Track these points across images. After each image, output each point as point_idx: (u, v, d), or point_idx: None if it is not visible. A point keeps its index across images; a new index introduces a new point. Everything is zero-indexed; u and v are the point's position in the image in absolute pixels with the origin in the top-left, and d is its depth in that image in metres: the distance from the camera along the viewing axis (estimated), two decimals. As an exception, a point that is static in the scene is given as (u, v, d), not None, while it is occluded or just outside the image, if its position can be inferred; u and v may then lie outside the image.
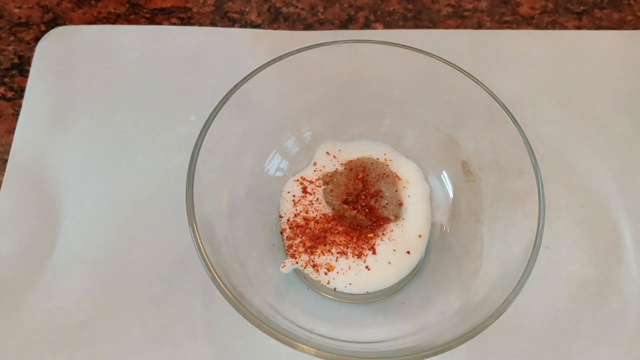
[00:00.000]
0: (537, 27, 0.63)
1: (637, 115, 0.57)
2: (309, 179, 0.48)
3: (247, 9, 0.63)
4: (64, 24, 0.61)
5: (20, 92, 0.57)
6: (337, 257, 0.44)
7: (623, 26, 0.63)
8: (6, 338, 0.46)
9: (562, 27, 0.63)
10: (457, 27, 0.63)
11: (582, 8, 0.64)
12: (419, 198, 0.47)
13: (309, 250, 0.45)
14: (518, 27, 0.63)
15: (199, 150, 0.41)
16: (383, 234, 0.45)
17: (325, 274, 0.44)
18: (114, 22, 0.61)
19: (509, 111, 0.44)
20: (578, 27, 0.63)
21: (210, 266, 0.38)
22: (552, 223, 0.51)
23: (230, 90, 0.44)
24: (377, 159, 0.49)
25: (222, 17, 0.62)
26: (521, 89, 0.58)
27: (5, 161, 0.53)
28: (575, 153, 0.55)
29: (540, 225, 0.40)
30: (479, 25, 0.63)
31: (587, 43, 0.61)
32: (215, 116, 0.43)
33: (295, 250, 0.45)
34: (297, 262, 0.44)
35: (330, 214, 0.46)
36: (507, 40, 0.61)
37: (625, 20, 0.64)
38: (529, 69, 0.59)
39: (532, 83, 0.59)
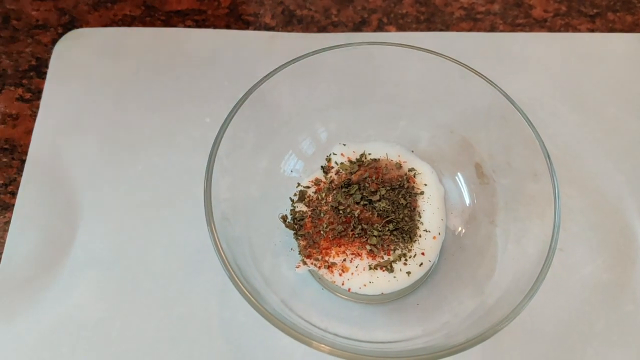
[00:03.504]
0: (550, 29, 0.63)
1: (651, 118, 0.57)
2: (323, 180, 0.48)
3: (261, 12, 0.63)
4: (81, 26, 0.62)
5: (37, 93, 0.58)
6: (352, 258, 0.44)
7: (636, 29, 0.63)
8: (23, 336, 0.46)
9: (575, 29, 0.63)
10: (470, 29, 0.63)
11: (595, 11, 0.64)
12: (434, 200, 0.47)
13: (323, 251, 0.45)
14: (531, 30, 0.63)
15: (217, 151, 0.42)
16: (397, 235, 0.46)
17: (340, 274, 0.44)
18: (129, 25, 0.62)
19: (523, 113, 0.44)
20: (591, 30, 0.63)
21: (228, 264, 0.38)
22: (565, 225, 0.51)
23: (247, 92, 0.44)
24: (391, 160, 0.49)
25: (237, 20, 0.63)
26: (534, 92, 0.58)
27: (23, 162, 0.54)
28: (589, 155, 0.55)
29: (556, 228, 0.40)
30: (492, 28, 0.63)
31: (600, 46, 0.61)
32: (232, 118, 0.43)
33: (309, 251, 0.45)
34: (311, 263, 0.44)
35: (344, 215, 0.46)
36: (520, 43, 0.61)
37: (638, 23, 0.64)
38: (542, 71, 0.60)
39: (545, 86, 0.59)
